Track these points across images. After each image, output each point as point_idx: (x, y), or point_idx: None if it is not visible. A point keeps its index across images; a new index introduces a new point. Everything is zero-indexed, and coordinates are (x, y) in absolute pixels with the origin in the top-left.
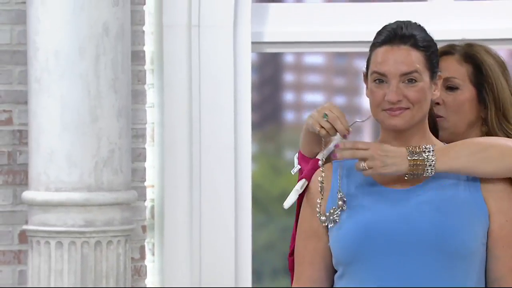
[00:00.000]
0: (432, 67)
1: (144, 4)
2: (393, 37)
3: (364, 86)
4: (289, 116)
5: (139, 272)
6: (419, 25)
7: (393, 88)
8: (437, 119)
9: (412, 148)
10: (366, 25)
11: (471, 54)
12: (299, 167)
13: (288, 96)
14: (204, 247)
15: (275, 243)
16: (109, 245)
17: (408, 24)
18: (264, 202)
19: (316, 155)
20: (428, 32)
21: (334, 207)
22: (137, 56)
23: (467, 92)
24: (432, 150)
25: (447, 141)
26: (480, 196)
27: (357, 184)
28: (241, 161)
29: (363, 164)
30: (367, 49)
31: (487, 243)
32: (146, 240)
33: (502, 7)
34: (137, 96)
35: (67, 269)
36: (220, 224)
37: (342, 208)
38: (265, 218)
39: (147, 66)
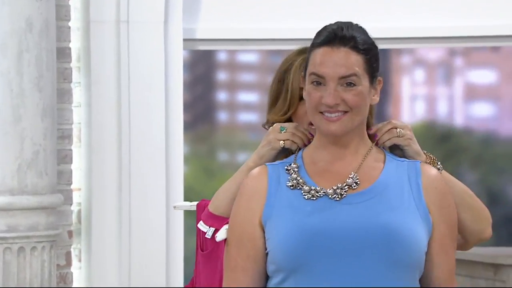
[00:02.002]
0: (372, 71)
1: None
2: (333, 38)
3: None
4: (222, 116)
5: (64, 279)
6: (360, 26)
7: (331, 91)
8: None
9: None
10: (302, 21)
11: None
12: (213, 229)
13: (221, 96)
14: (134, 253)
15: None
16: (33, 251)
17: (349, 25)
18: None
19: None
20: (369, 34)
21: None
22: (63, 53)
23: None
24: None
25: None
26: (424, 205)
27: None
28: (173, 162)
29: (397, 130)
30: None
31: (427, 251)
32: (72, 246)
33: (440, 5)
34: (63, 95)
35: None
36: (150, 228)
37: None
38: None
39: (74, 63)
